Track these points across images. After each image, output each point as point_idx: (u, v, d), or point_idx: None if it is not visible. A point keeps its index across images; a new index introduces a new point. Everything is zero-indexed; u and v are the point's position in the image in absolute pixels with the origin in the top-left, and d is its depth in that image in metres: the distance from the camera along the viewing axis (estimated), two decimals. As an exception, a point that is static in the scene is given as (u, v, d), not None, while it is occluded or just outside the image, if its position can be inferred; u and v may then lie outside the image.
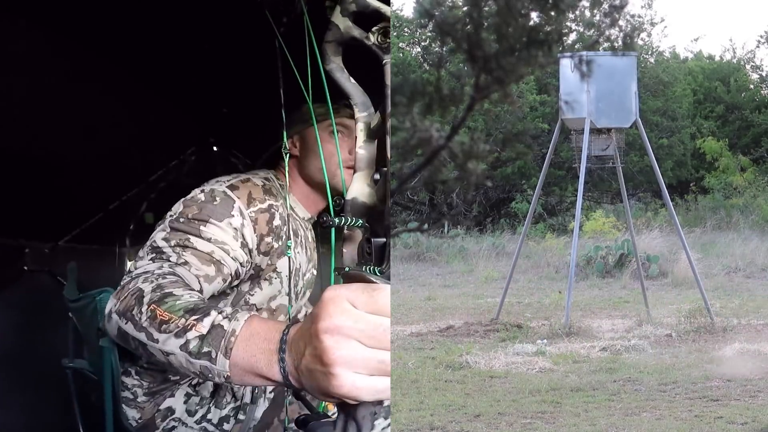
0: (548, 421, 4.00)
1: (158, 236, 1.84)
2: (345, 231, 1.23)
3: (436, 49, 9.34)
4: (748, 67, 12.34)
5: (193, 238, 1.83)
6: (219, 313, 1.26)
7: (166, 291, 1.46)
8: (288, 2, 1.55)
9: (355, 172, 1.22)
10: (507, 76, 0.61)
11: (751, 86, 12.12)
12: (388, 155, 1.09)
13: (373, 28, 1.20)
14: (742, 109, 11.65)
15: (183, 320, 1.29)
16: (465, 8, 0.65)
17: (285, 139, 1.78)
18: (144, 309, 1.40)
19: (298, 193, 2.23)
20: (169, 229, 1.85)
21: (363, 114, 1.25)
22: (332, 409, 1.77)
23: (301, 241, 2.21)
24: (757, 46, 14.63)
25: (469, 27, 0.60)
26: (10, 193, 2.79)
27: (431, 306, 6.80)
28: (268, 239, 2.01)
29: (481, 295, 7.21)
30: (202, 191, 1.97)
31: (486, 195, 10.59)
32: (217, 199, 1.94)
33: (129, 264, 1.88)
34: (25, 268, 3.20)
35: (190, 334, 1.25)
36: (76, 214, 3.40)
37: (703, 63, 12.60)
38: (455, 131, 0.63)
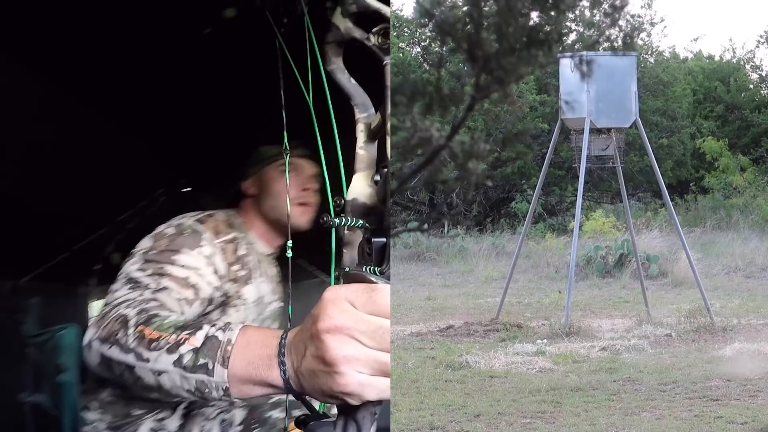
0: (548, 421, 4.00)
1: (131, 269, 1.85)
2: (345, 232, 1.23)
3: (436, 49, 9.34)
4: (748, 67, 12.34)
5: (168, 266, 1.88)
6: (212, 325, 1.24)
7: (152, 313, 1.45)
8: (288, 3, 1.55)
9: (353, 179, 1.22)
10: (507, 75, 0.61)
11: (751, 86, 12.13)
12: (389, 156, 1.09)
13: (374, 30, 1.20)
14: (742, 109, 11.65)
15: (174, 336, 1.26)
16: (465, 8, 0.65)
17: (286, 141, 1.78)
18: (130, 331, 1.37)
19: (257, 231, 2.33)
20: (142, 261, 1.87)
21: (363, 115, 1.25)
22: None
23: (263, 272, 2.29)
24: (757, 46, 14.64)
25: (469, 27, 0.60)
26: None
27: (431, 306, 6.80)
28: (235, 267, 2.12)
29: (481, 295, 7.21)
30: (170, 226, 2.04)
31: (486, 195, 10.60)
32: (186, 231, 2.02)
33: (96, 302, 1.90)
34: None
35: (183, 348, 1.22)
36: (40, 253, 3.33)
37: (703, 63, 12.61)
38: (455, 131, 0.63)
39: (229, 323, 1.25)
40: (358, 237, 1.20)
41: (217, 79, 2.63)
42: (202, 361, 1.18)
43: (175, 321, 1.35)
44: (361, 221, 1.17)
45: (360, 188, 1.20)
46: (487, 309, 6.48)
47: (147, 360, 1.28)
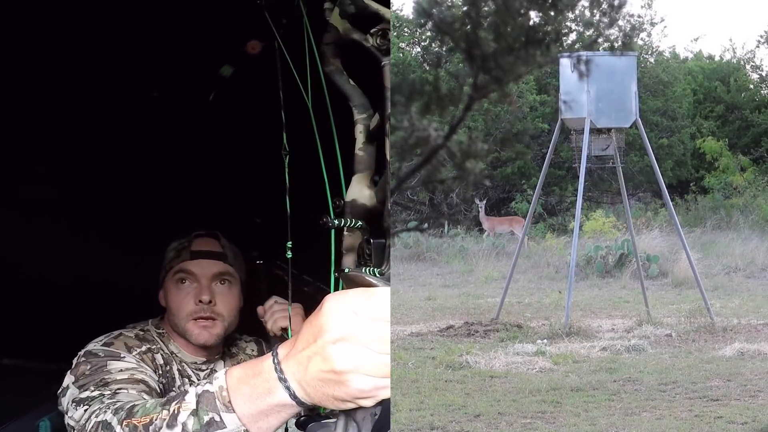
0: (548, 421, 4.00)
1: (72, 394, 1.75)
2: (345, 233, 1.23)
3: (436, 49, 9.34)
4: (748, 67, 12.33)
5: (106, 376, 1.77)
6: (195, 386, 1.19)
7: (129, 406, 1.38)
8: (287, 4, 1.55)
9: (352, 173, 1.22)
10: (505, 75, 0.61)
11: (751, 86, 12.11)
12: (388, 157, 1.09)
13: (372, 30, 1.20)
14: (742, 109, 11.64)
15: (165, 411, 1.21)
16: (464, 8, 0.65)
17: (285, 142, 1.77)
18: (119, 430, 1.32)
19: (179, 341, 2.18)
20: (78, 389, 1.75)
21: (362, 116, 1.25)
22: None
23: (194, 383, 2.11)
24: (757, 46, 14.57)
25: (467, 26, 0.60)
26: (44, 319, 2.82)
27: (431, 306, 6.80)
28: (157, 376, 2.00)
29: (481, 295, 7.21)
30: (79, 357, 1.90)
31: (486, 195, 10.59)
32: (100, 354, 1.90)
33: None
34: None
35: (182, 416, 1.17)
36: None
37: (703, 63, 12.59)
38: (453, 130, 0.63)
39: (210, 375, 1.22)
40: (357, 238, 1.19)
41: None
42: (206, 418, 1.13)
43: (156, 401, 1.30)
44: (360, 222, 1.17)
45: (359, 189, 1.20)
46: (487, 309, 6.47)
47: None
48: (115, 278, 2.94)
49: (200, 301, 2.10)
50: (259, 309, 2.24)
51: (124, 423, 1.31)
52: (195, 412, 1.15)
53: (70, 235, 2.83)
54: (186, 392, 1.19)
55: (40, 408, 2.63)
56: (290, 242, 1.96)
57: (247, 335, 2.42)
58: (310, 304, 1.25)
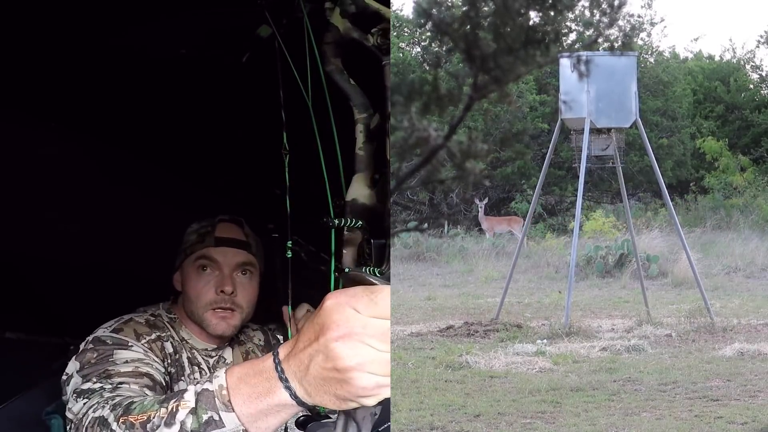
0: (548, 421, 4.00)
1: (75, 387, 1.70)
2: (345, 232, 1.23)
3: (436, 49, 9.34)
4: (748, 67, 12.35)
5: (110, 367, 1.73)
6: (195, 384, 1.18)
7: (127, 402, 1.36)
8: (288, 4, 1.55)
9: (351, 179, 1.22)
10: (505, 75, 0.61)
11: (751, 86, 12.13)
12: (388, 157, 1.09)
13: (373, 30, 1.20)
14: (742, 109, 11.66)
15: (163, 409, 1.19)
16: (463, 8, 0.65)
17: (285, 141, 1.77)
18: (115, 426, 1.30)
19: (191, 328, 2.11)
20: (81, 378, 1.72)
21: (362, 115, 1.25)
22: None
23: (203, 370, 2.10)
24: (757, 46, 14.59)
25: (467, 27, 0.60)
26: (53, 295, 2.80)
27: (431, 306, 6.80)
28: (165, 364, 1.96)
29: (481, 295, 7.21)
30: (87, 342, 1.85)
31: (486, 195, 10.59)
32: (108, 341, 1.86)
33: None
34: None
35: (180, 415, 1.15)
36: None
37: (703, 63, 12.61)
38: (453, 131, 0.63)
39: (210, 374, 1.21)
40: (358, 237, 1.20)
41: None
42: (205, 416, 1.13)
43: (154, 398, 1.29)
44: (360, 222, 1.17)
45: (359, 189, 1.21)
46: (487, 309, 6.48)
47: None
48: (123, 251, 2.89)
49: (222, 291, 2.05)
50: (285, 310, 2.07)
51: (121, 420, 1.30)
52: (194, 411, 1.14)
53: (73, 205, 2.79)
54: (185, 390, 1.19)
55: (44, 384, 2.62)
56: (290, 242, 1.96)
57: (253, 323, 2.34)
58: (326, 284, 1.24)
